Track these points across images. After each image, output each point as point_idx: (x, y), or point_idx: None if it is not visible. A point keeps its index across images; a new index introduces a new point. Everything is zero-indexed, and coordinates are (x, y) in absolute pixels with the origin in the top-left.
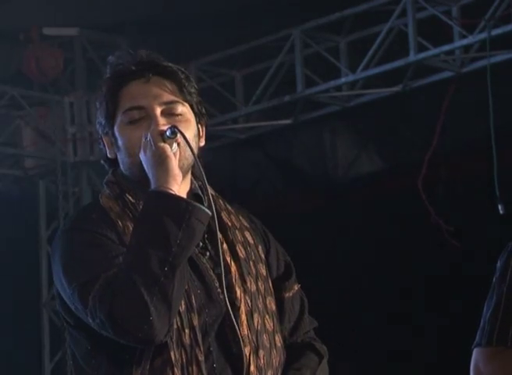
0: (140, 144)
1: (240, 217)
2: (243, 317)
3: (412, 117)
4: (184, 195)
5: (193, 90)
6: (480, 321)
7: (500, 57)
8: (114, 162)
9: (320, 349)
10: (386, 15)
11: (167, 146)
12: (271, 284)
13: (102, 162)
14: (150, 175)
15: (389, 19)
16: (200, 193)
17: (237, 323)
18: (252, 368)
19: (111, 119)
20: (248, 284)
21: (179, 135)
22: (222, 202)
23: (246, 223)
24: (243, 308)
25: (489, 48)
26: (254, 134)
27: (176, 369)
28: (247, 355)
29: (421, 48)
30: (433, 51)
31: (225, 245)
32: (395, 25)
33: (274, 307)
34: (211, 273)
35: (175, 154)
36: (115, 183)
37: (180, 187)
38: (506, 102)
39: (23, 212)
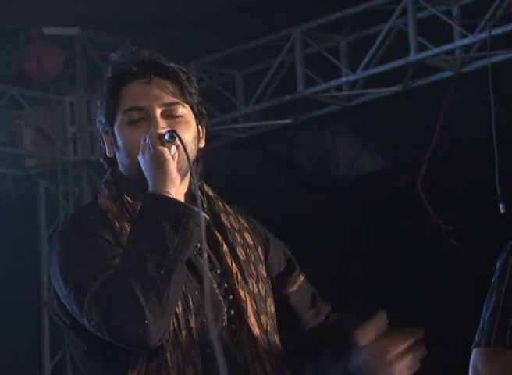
0: (139, 145)
1: (240, 218)
2: (252, 318)
3: (412, 117)
4: (183, 197)
5: (194, 91)
6: (479, 321)
7: (501, 57)
8: (113, 161)
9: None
10: (387, 14)
11: (165, 149)
12: (270, 286)
13: (101, 160)
14: (148, 177)
15: (390, 19)
16: (199, 194)
17: (247, 324)
18: (269, 368)
19: (111, 118)
20: (250, 286)
21: (178, 142)
22: (220, 203)
23: (245, 224)
24: (250, 309)
25: (490, 48)
26: (255, 134)
27: (171, 371)
28: (265, 353)
29: (421, 48)
30: (433, 50)
31: (225, 247)
32: (395, 25)
33: (273, 309)
34: (209, 274)
35: (173, 156)
36: (113, 184)
37: (178, 189)
38: (507, 102)
39: (24, 211)
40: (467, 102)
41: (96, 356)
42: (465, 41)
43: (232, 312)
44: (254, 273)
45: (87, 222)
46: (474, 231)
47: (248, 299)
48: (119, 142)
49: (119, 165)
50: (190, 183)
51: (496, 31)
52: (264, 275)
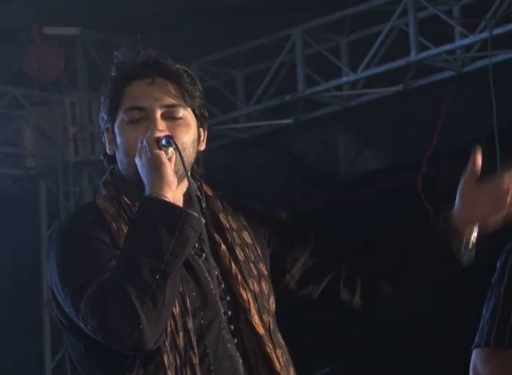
0: (137, 145)
1: (239, 215)
2: (256, 318)
3: (413, 117)
4: (181, 199)
5: (197, 93)
6: (479, 322)
7: (501, 56)
8: (112, 159)
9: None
10: (387, 14)
11: (162, 153)
12: (271, 284)
13: (101, 157)
14: (145, 180)
15: (390, 19)
16: (198, 194)
17: (251, 324)
18: (278, 366)
19: (112, 115)
20: (251, 286)
21: (171, 149)
22: (219, 203)
23: (244, 222)
24: (253, 309)
25: (490, 48)
26: (256, 134)
27: (169, 372)
28: (272, 352)
29: (422, 48)
30: (434, 50)
31: (224, 248)
32: (396, 24)
33: (274, 307)
34: (207, 275)
35: (170, 159)
36: (111, 184)
37: (176, 192)
38: (508, 101)
39: (24, 211)
40: (467, 102)
41: (93, 358)
42: (466, 41)
43: (231, 312)
44: (255, 272)
45: (84, 223)
46: None
47: (251, 299)
48: (119, 141)
49: (118, 164)
50: (190, 184)
51: (497, 31)
52: (265, 273)
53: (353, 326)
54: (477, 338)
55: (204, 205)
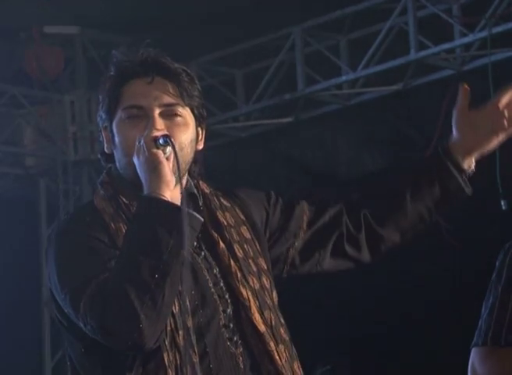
0: (135, 144)
1: (237, 209)
2: (256, 315)
3: (412, 115)
4: (179, 197)
5: (195, 93)
6: (478, 321)
7: (501, 55)
8: (110, 158)
9: None
10: (387, 13)
11: (160, 152)
12: (272, 279)
13: (99, 156)
14: (143, 180)
15: (390, 18)
16: (195, 192)
17: (252, 322)
18: (280, 362)
19: (111, 114)
20: (251, 283)
21: (169, 148)
22: (216, 200)
23: (242, 215)
24: (253, 307)
25: (490, 47)
26: (255, 133)
27: (169, 371)
28: (273, 349)
29: (421, 47)
30: (434, 49)
31: (222, 245)
32: (395, 23)
33: (277, 301)
34: (206, 273)
35: (168, 158)
36: (108, 184)
37: (173, 191)
38: None
39: (24, 210)
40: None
41: (93, 358)
42: (465, 40)
43: (230, 311)
44: (255, 268)
45: (82, 223)
46: (474, 230)
47: (251, 297)
48: (117, 139)
49: (117, 162)
50: (188, 182)
51: (496, 30)
52: (265, 267)
53: (350, 333)
54: (475, 337)
55: (201, 203)
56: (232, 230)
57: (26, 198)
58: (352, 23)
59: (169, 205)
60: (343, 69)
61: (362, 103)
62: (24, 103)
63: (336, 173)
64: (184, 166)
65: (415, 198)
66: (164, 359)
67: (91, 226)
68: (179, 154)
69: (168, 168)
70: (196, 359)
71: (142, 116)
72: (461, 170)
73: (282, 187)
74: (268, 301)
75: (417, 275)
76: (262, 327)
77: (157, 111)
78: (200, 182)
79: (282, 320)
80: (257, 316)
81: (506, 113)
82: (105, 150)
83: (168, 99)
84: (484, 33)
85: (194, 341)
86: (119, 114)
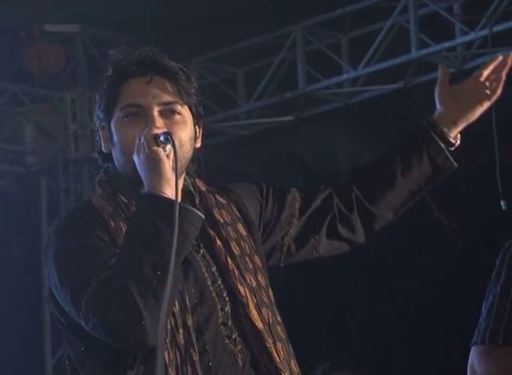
0: (135, 143)
1: (233, 206)
2: (254, 313)
3: (413, 114)
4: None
5: (193, 91)
6: (478, 320)
7: (502, 53)
8: (108, 157)
9: None
10: (388, 11)
11: (160, 150)
12: (267, 276)
13: (96, 155)
14: (143, 177)
15: (391, 16)
16: (192, 190)
17: (250, 319)
18: (278, 359)
19: (109, 113)
20: (248, 280)
21: (169, 146)
22: (212, 198)
23: (237, 212)
24: (251, 304)
25: (491, 45)
26: (256, 131)
27: (170, 370)
28: (271, 347)
29: (422, 45)
30: (435, 47)
31: (219, 243)
32: (396, 21)
33: (273, 299)
34: (204, 271)
35: (168, 156)
36: (107, 183)
37: (173, 189)
38: (508, 99)
39: (25, 208)
40: None
41: (94, 356)
42: (466, 38)
43: (228, 308)
44: (251, 266)
45: (82, 221)
46: (476, 228)
47: (248, 294)
48: (115, 138)
49: (115, 161)
50: (185, 180)
51: (497, 28)
52: (260, 265)
53: (350, 332)
54: (474, 336)
55: (197, 201)
56: (229, 227)
57: (26, 197)
58: (353, 21)
59: (171, 202)
60: (344, 67)
61: (363, 101)
62: (25, 101)
63: (337, 171)
64: (183, 164)
65: (405, 175)
66: (165, 358)
67: (91, 225)
68: (178, 151)
69: (168, 165)
70: (196, 358)
71: (141, 115)
72: (448, 142)
73: (284, 186)
74: (265, 299)
75: (417, 274)
76: (260, 325)
77: (156, 109)
78: (197, 180)
79: (279, 318)
80: (254, 314)
81: (487, 84)
82: (103, 149)
83: (166, 97)
84: (485, 32)
85: (194, 340)
86: (118, 113)
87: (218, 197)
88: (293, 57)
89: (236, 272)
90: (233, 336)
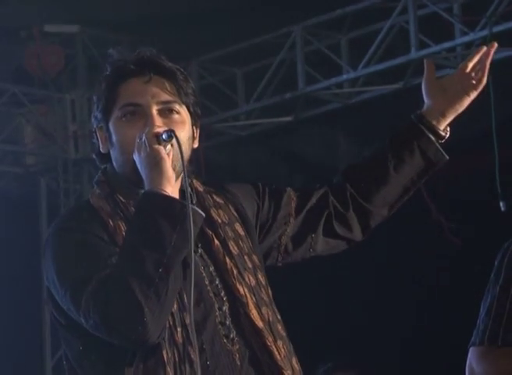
0: (134, 142)
1: (230, 206)
2: (254, 312)
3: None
4: (177, 194)
5: (190, 91)
6: (477, 320)
7: (501, 54)
8: (106, 157)
9: None
10: (387, 12)
11: (161, 148)
12: (265, 273)
13: (94, 156)
14: (144, 176)
15: (391, 16)
16: (189, 190)
17: (250, 318)
18: (279, 357)
19: (107, 114)
20: (247, 280)
21: (174, 141)
22: (210, 198)
23: (235, 213)
24: (251, 303)
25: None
26: (256, 132)
27: (168, 368)
28: (272, 345)
29: (422, 45)
30: (434, 48)
31: (217, 243)
32: (396, 22)
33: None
34: (202, 270)
35: (168, 154)
36: (105, 183)
37: (174, 187)
38: (507, 99)
39: (24, 209)
40: None
41: (92, 355)
42: (466, 39)
43: (225, 308)
44: (250, 265)
45: (80, 220)
46: (475, 229)
47: (247, 293)
48: (114, 138)
49: (114, 161)
50: (182, 180)
51: (497, 28)
52: (259, 264)
53: (350, 332)
54: (473, 337)
55: (195, 201)
56: (227, 227)
57: (26, 197)
58: (353, 21)
59: (172, 199)
60: (343, 67)
61: (363, 102)
62: (25, 102)
63: (336, 171)
64: (183, 163)
65: (398, 170)
66: (163, 356)
67: (89, 224)
68: (176, 150)
69: (169, 164)
70: (195, 356)
71: (140, 114)
72: (437, 135)
73: (282, 186)
74: (265, 298)
75: (417, 274)
76: (260, 323)
77: (155, 108)
78: (194, 180)
79: (279, 316)
80: (254, 313)
81: (473, 74)
82: (101, 150)
83: (165, 96)
84: (484, 32)
85: (192, 338)
86: (116, 113)
87: (215, 197)
88: (292, 57)
89: (235, 271)
90: (231, 335)
